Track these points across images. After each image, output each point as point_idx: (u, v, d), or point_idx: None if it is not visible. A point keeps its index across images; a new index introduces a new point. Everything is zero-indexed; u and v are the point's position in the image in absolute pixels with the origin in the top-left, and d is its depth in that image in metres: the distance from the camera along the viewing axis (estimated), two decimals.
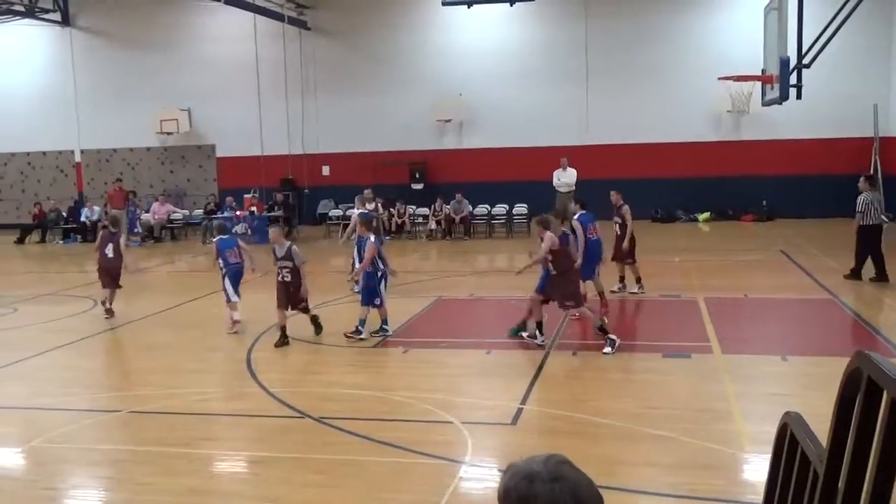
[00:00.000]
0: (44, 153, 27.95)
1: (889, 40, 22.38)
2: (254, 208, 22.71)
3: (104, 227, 13.46)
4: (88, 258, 15.91)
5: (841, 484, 2.01)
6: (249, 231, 21.07)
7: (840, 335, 10.61)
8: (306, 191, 25.92)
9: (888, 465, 1.76)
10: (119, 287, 12.39)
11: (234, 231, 17.08)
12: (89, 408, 7.96)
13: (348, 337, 10.13)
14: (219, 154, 26.76)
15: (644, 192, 21.00)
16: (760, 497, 3.01)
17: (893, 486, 1.79)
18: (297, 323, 10.53)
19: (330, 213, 24.15)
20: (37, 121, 27.32)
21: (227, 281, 11.14)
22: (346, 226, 17.41)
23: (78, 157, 27.82)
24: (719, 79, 17.24)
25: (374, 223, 14.10)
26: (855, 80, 21.99)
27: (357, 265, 11.95)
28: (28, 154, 28.04)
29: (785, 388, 7.99)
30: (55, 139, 27.49)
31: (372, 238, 10.54)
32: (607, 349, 9.21)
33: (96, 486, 6.27)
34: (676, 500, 5.51)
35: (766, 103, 14.88)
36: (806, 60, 13.26)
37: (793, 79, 13.10)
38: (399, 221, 22.30)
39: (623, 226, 12.56)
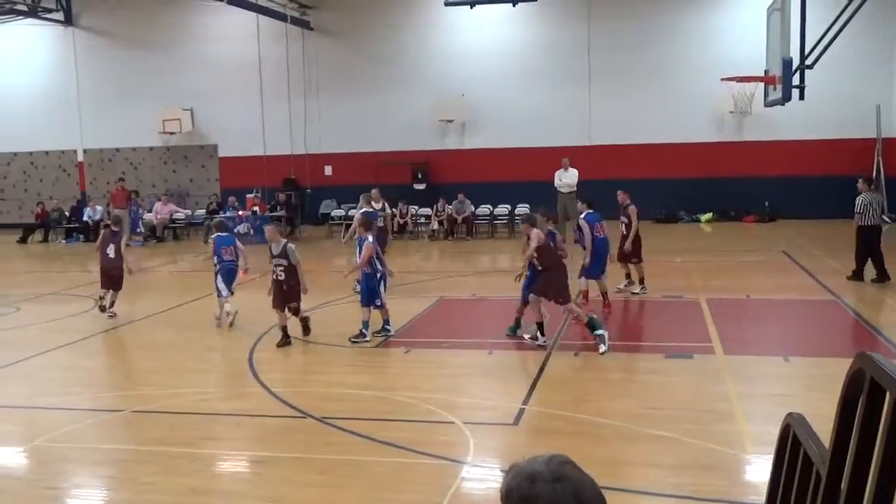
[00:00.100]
0: (46, 153, 27.97)
1: (892, 41, 22.36)
2: (256, 208, 22.75)
3: (106, 226, 13.47)
4: (91, 258, 15.91)
5: (844, 485, 2.01)
6: (252, 231, 21.07)
7: (842, 336, 10.59)
8: (309, 191, 25.94)
9: (891, 466, 1.75)
10: (119, 289, 12.40)
11: (236, 231, 17.09)
12: (91, 407, 7.97)
13: (353, 341, 10.11)
14: (221, 154, 26.77)
15: (646, 193, 20.87)
16: (763, 498, 3.01)
17: None
18: (298, 323, 10.52)
19: (332, 214, 24.15)
20: (39, 120, 27.34)
21: (219, 278, 11.25)
22: (348, 226, 17.41)
23: (80, 157, 27.85)
24: (722, 79, 17.28)
25: (382, 223, 14.11)
26: (858, 82, 21.97)
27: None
28: (31, 153, 28.07)
29: (787, 389, 7.98)
30: (58, 139, 27.51)
31: (370, 238, 10.51)
32: (602, 349, 9.17)
33: (98, 485, 6.28)
34: (678, 500, 5.51)
35: (768, 104, 14.88)
36: (809, 61, 13.26)
37: (795, 80, 13.11)
38: (401, 222, 22.30)
39: (629, 225, 12.57)
